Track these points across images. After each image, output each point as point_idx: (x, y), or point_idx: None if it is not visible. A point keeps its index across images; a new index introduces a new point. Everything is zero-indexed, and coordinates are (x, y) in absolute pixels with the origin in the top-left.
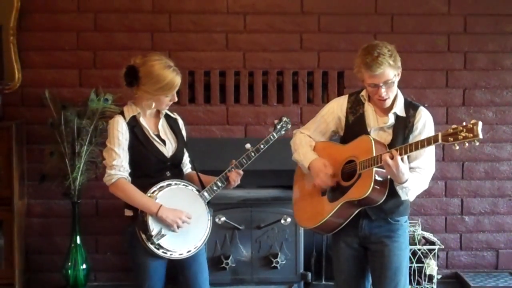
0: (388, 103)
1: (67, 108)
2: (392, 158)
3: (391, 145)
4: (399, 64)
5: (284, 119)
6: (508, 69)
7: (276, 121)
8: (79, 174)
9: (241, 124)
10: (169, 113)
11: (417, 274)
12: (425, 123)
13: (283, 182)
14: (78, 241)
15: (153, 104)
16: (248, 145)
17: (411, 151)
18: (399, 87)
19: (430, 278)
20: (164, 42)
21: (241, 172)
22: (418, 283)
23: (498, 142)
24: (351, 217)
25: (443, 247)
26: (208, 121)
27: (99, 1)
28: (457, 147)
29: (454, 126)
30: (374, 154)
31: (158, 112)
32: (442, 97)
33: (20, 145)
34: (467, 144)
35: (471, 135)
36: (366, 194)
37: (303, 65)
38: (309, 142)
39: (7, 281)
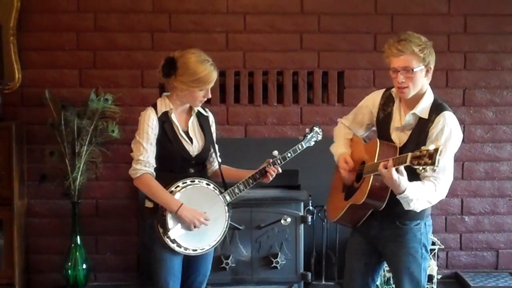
0: (407, 93)
1: (67, 108)
2: (386, 168)
3: (403, 148)
4: (429, 59)
5: (316, 129)
6: (508, 69)
7: (307, 130)
8: (79, 174)
9: (241, 124)
10: (201, 110)
11: None
12: (442, 129)
13: (283, 182)
14: (78, 241)
15: (185, 99)
16: (275, 152)
17: (401, 163)
18: None
19: (430, 278)
20: (164, 42)
21: (279, 169)
22: None
23: (498, 142)
24: (368, 214)
25: (443, 247)
26: None
27: (99, 1)
28: (422, 171)
29: (424, 148)
30: (375, 160)
31: (190, 109)
32: (442, 97)
33: (20, 145)
34: (428, 170)
35: (430, 161)
36: (362, 200)
37: (303, 65)
38: (347, 134)
39: (7, 281)
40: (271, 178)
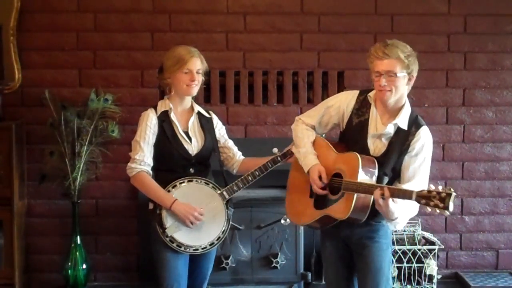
0: (389, 96)
1: (67, 108)
2: (383, 196)
3: (381, 158)
4: (412, 68)
5: None
6: (508, 69)
7: None
8: (79, 174)
9: (241, 124)
10: (202, 111)
11: (417, 274)
12: (423, 146)
13: (283, 182)
14: (78, 241)
15: (175, 88)
16: (275, 150)
17: (402, 197)
18: None
19: (430, 278)
20: (164, 42)
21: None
22: (418, 283)
23: (498, 142)
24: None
25: (443, 247)
26: None
27: (99, 1)
28: (429, 210)
29: (431, 188)
30: (358, 180)
31: (191, 109)
32: (442, 97)
33: (20, 145)
34: (438, 211)
35: (442, 205)
36: (347, 216)
37: (303, 65)
38: (311, 136)
39: (7, 281)
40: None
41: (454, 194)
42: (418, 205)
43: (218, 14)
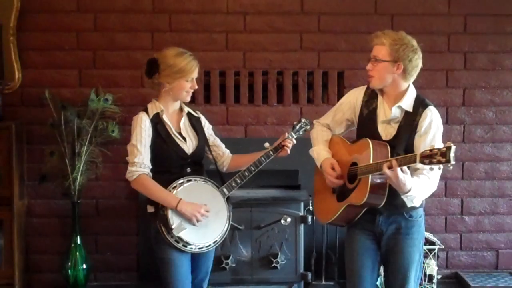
0: (372, 83)
1: (67, 108)
2: (391, 168)
3: (392, 141)
4: (399, 56)
5: (303, 120)
6: (508, 69)
7: (295, 122)
8: (79, 174)
9: (241, 124)
10: (191, 111)
11: None
12: (430, 122)
13: (283, 182)
14: (78, 241)
15: (174, 93)
16: (266, 144)
17: (408, 163)
18: None
19: (430, 278)
20: (164, 42)
21: (294, 141)
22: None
23: (498, 142)
24: (362, 212)
25: (443, 247)
26: (208, 121)
27: (99, 1)
28: (434, 169)
29: (431, 147)
30: (371, 161)
31: (181, 110)
32: (442, 97)
33: (20, 145)
34: (441, 167)
35: (444, 159)
36: (364, 201)
37: (303, 65)
38: (326, 136)
39: (7, 281)
40: (288, 151)
41: (454, 146)
42: (435, 180)
43: (218, 14)
